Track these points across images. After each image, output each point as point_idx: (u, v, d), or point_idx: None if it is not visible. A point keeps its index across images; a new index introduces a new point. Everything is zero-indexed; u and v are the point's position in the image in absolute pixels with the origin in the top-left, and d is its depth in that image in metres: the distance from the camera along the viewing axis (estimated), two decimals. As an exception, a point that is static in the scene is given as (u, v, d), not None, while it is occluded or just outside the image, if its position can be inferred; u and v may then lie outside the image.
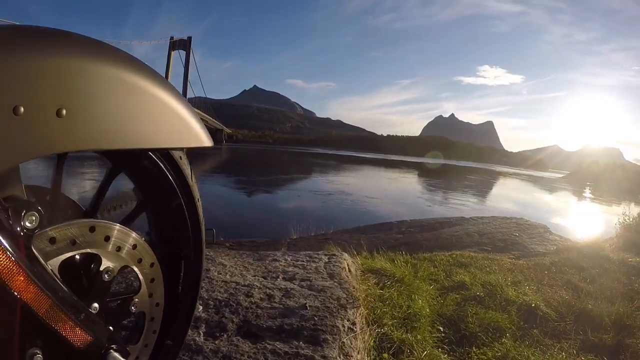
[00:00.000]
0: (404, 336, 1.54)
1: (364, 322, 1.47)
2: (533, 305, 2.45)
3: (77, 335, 0.54)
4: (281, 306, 1.48)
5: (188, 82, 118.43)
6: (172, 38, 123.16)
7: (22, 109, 0.42)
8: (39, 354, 0.51)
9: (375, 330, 1.49)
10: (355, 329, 1.31)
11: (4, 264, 0.45)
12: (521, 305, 2.44)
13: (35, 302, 0.48)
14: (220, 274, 1.78)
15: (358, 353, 1.19)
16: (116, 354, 0.59)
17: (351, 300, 1.53)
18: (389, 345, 1.47)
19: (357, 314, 1.44)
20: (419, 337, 1.63)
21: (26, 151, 0.43)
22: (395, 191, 24.63)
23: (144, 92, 0.57)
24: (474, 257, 3.66)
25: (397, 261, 2.93)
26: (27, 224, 0.49)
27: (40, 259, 0.50)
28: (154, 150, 0.68)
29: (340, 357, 1.13)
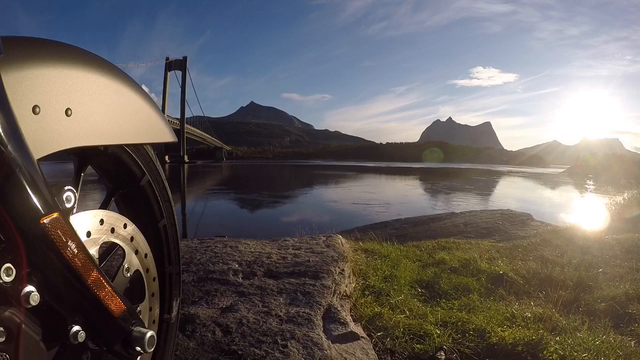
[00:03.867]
0: (383, 285, 2.07)
1: (351, 273, 2.02)
2: (501, 272, 2.68)
3: (115, 304, 0.54)
4: (292, 262, 2.03)
5: (186, 102, 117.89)
6: (167, 59, 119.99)
7: (39, 109, 0.47)
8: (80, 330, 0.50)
9: (360, 281, 2.03)
10: (344, 273, 1.87)
11: (61, 228, 0.46)
12: (491, 273, 2.69)
13: (83, 269, 0.49)
14: (247, 248, 2.34)
15: (346, 287, 1.75)
16: (139, 327, 0.59)
17: (342, 258, 2.08)
18: (371, 290, 1.99)
19: (346, 266, 2.00)
20: (396, 287, 2.14)
21: (45, 146, 0.47)
22: (419, 197, 25.08)
23: (126, 95, 0.63)
24: (457, 242, 3.93)
25: (385, 245, 3.31)
26: (65, 202, 0.52)
27: (77, 233, 0.50)
28: (128, 145, 0.70)
29: (333, 285, 1.70)
